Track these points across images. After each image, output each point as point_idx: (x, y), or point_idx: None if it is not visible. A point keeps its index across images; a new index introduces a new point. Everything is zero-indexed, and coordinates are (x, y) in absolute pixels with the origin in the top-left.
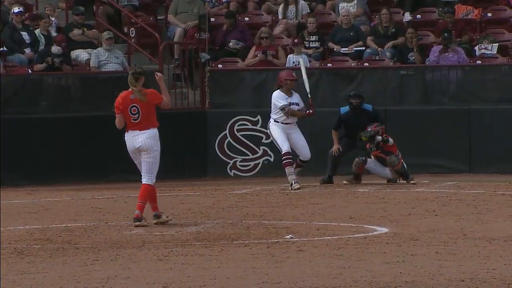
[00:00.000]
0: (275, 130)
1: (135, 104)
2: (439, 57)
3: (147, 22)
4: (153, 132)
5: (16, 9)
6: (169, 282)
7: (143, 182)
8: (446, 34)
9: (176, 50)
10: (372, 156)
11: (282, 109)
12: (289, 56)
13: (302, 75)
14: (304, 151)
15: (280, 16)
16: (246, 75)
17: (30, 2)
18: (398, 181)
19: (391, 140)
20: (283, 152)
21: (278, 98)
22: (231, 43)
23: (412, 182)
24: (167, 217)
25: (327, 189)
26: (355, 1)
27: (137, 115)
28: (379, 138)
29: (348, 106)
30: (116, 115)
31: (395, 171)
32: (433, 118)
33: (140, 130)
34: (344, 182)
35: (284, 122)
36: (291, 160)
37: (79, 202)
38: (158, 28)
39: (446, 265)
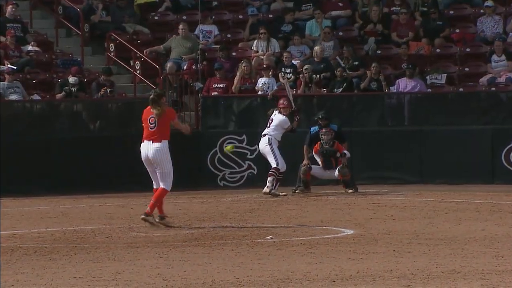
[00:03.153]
0: (276, 148)
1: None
2: (406, 86)
3: (149, 56)
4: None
5: None
6: (169, 276)
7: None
8: (410, 66)
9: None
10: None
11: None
12: (259, 79)
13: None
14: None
15: (254, 49)
16: (233, 101)
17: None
18: (358, 190)
19: (347, 153)
20: (282, 169)
21: (285, 121)
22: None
23: (351, 191)
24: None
25: (302, 197)
26: (332, 43)
27: (153, 124)
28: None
29: (317, 126)
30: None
31: (343, 181)
32: (390, 137)
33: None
34: (297, 191)
35: (279, 139)
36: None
37: (92, 209)
38: (158, 60)
39: (402, 261)
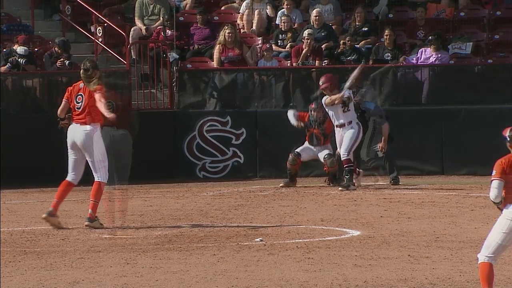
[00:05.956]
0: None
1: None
2: (428, 58)
3: (114, 21)
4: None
5: None
6: (137, 286)
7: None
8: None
9: (133, 50)
10: (306, 141)
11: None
12: (259, 60)
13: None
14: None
15: (241, 12)
16: (215, 75)
17: None
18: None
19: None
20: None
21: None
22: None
23: (340, 189)
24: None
25: (297, 191)
26: (331, 6)
27: (80, 103)
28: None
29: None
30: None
31: (328, 173)
32: (405, 118)
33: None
34: (280, 185)
35: None
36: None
37: (45, 205)
38: (126, 27)
39: (419, 269)
